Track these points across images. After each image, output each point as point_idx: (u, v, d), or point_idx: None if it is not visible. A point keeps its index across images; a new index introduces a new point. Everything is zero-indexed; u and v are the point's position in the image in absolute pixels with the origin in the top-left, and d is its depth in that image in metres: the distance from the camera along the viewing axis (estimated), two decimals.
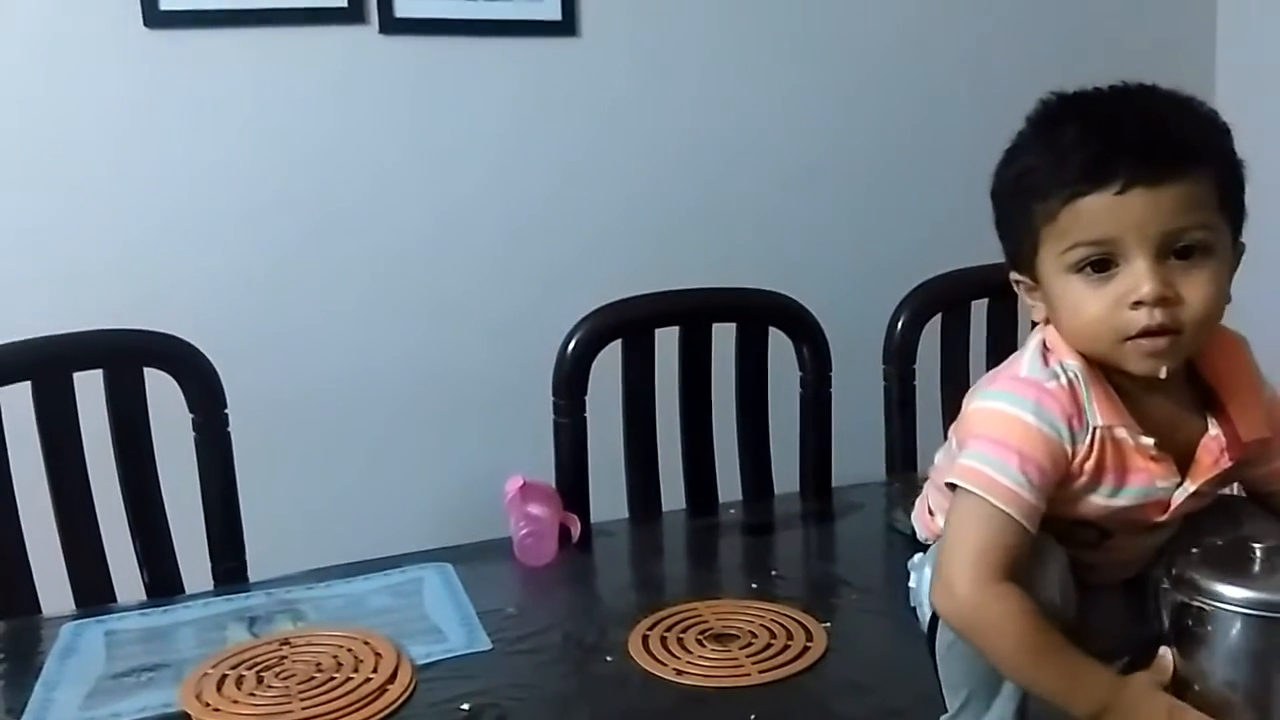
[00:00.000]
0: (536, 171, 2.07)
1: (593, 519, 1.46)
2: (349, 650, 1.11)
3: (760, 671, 1.05)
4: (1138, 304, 0.76)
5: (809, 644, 1.09)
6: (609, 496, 1.52)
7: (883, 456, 1.61)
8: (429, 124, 2.01)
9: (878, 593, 1.22)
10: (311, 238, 1.98)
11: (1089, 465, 0.79)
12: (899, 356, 1.60)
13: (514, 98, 2.04)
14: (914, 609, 0.88)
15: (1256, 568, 0.77)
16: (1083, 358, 0.80)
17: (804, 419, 1.58)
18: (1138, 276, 0.76)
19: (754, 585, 1.25)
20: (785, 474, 1.59)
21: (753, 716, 0.98)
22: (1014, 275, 0.85)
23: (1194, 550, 0.79)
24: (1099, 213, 0.76)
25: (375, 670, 1.07)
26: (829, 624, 1.13)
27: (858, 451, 1.59)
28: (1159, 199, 0.75)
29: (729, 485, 1.58)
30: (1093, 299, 0.77)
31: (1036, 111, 0.82)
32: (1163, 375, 0.78)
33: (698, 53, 2.13)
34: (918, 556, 0.85)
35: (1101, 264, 0.77)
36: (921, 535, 0.91)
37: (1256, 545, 0.77)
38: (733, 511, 1.52)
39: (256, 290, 1.96)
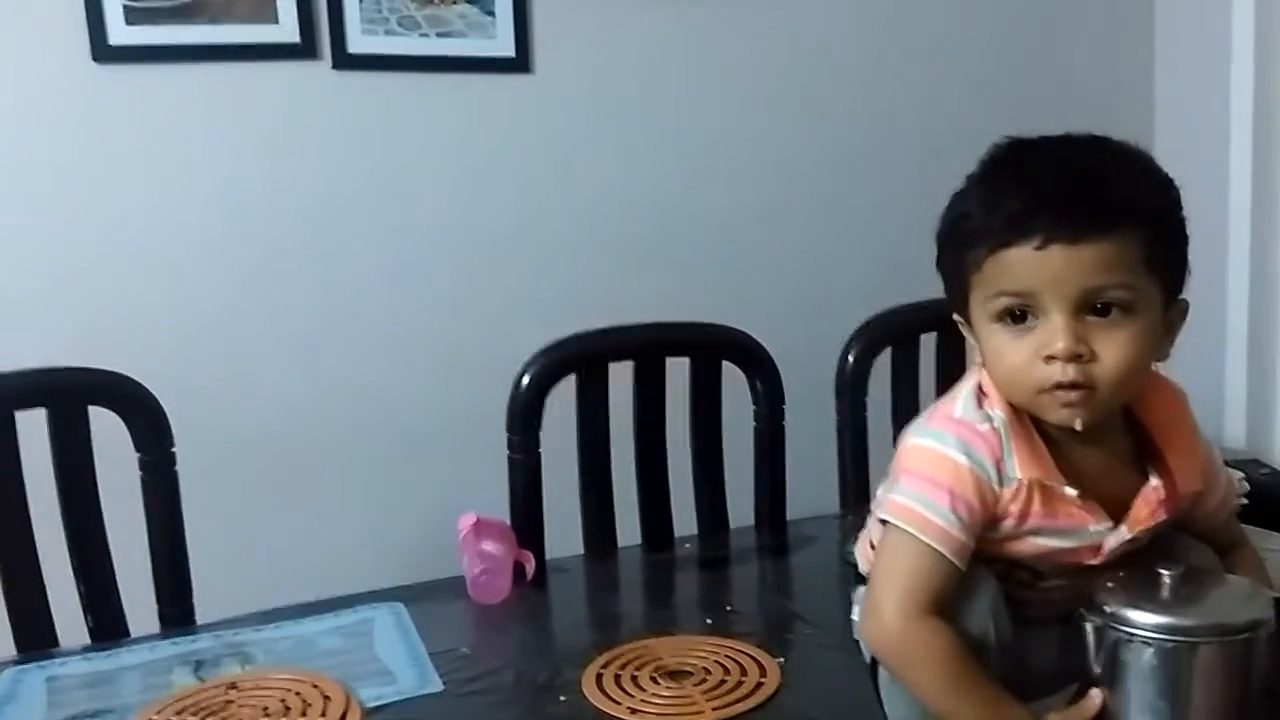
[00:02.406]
0: (489, 208, 2.08)
1: (548, 555, 1.45)
2: (297, 693, 1.09)
3: (714, 709, 1.05)
4: (1051, 358, 0.77)
5: (763, 680, 1.09)
6: (564, 532, 1.51)
7: (836, 489, 1.62)
8: (381, 160, 2.01)
9: (831, 627, 1.21)
10: (262, 274, 1.96)
11: (1015, 508, 0.81)
12: (850, 390, 1.62)
13: (467, 134, 2.05)
14: (858, 641, 0.89)
15: (1165, 594, 0.79)
16: (1010, 408, 0.82)
17: (758, 452, 1.59)
18: (1053, 331, 0.77)
19: (709, 621, 1.25)
20: (740, 508, 1.60)
21: None
22: (955, 315, 0.87)
23: (1109, 581, 0.81)
24: (1019, 265, 0.77)
25: (324, 714, 1.05)
26: (783, 659, 1.13)
27: (812, 485, 1.60)
28: (1079, 256, 0.75)
29: (684, 520, 1.58)
30: (1012, 349, 0.79)
31: (984, 157, 0.84)
32: (1078, 427, 0.79)
33: (651, 91, 2.15)
34: (860, 589, 0.86)
35: (1021, 315, 0.78)
36: (863, 568, 0.92)
37: (1165, 572, 0.79)
38: (688, 546, 1.52)
39: (205, 327, 1.94)
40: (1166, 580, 0.80)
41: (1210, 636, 0.77)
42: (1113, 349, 0.76)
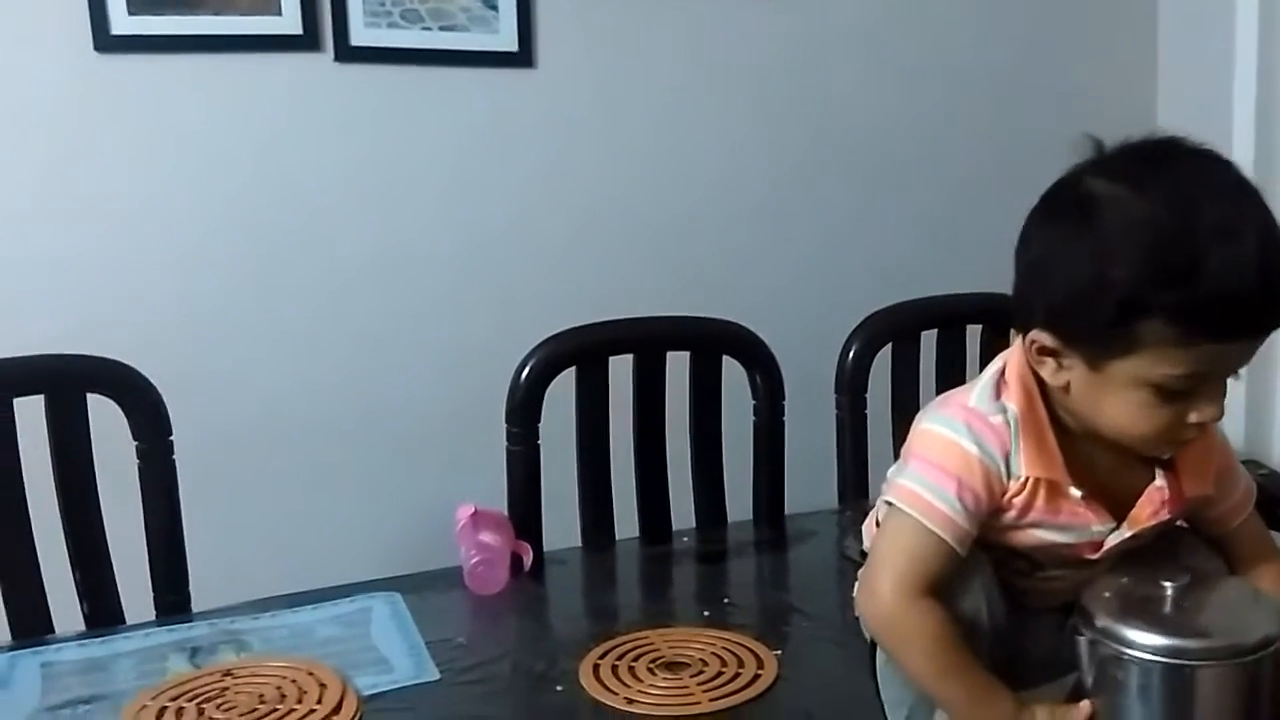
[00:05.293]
0: (491, 201, 2.07)
1: (545, 547, 1.45)
2: (293, 681, 1.09)
3: (711, 700, 1.05)
4: (1195, 423, 0.76)
5: (760, 672, 1.09)
6: (562, 525, 1.51)
7: (835, 485, 1.62)
8: (383, 153, 2.00)
9: (829, 620, 1.21)
10: (262, 265, 1.96)
11: (1018, 502, 0.80)
12: (850, 386, 1.62)
13: (469, 128, 2.05)
14: (858, 619, 0.89)
15: (1165, 609, 0.77)
16: (1027, 402, 0.80)
17: (757, 447, 1.59)
18: (1209, 400, 0.75)
19: (706, 613, 1.25)
20: (739, 502, 1.59)
21: None
22: (1039, 336, 0.77)
23: (1106, 591, 0.80)
24: (1211, 356, 0.73)
25: (319, 701, 1.05)
26: (780, 651, 1.13)
27: (810, 480, 1.60)
28: (1256, 345, 0.74)
29: (682, 513, 1.58)
30: (1154, 414, 0.75)
31: (1165, 197, 0.72)
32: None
33: (654, 86, 2.15)
34: (863, 570, 0.86)
35: (1181, 392, 0.74)
36: (868, 546, 0.92)
37: (1168, 585, 0.77)
38: (686, 539, 1.52)
39: (205, 317, 1.93)
40: (1168, 593, 0.77)
41: (1211, 660, 0.74)
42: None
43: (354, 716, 1.03)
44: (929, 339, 1.68)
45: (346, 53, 1.94)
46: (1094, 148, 0.78)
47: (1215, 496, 0.85)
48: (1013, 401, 0.80)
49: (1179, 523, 0.87)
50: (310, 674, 1.10)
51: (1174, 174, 0.74)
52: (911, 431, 0.84)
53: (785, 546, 1.53)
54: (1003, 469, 0.80)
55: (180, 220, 1.91)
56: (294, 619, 1.26)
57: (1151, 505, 0.82)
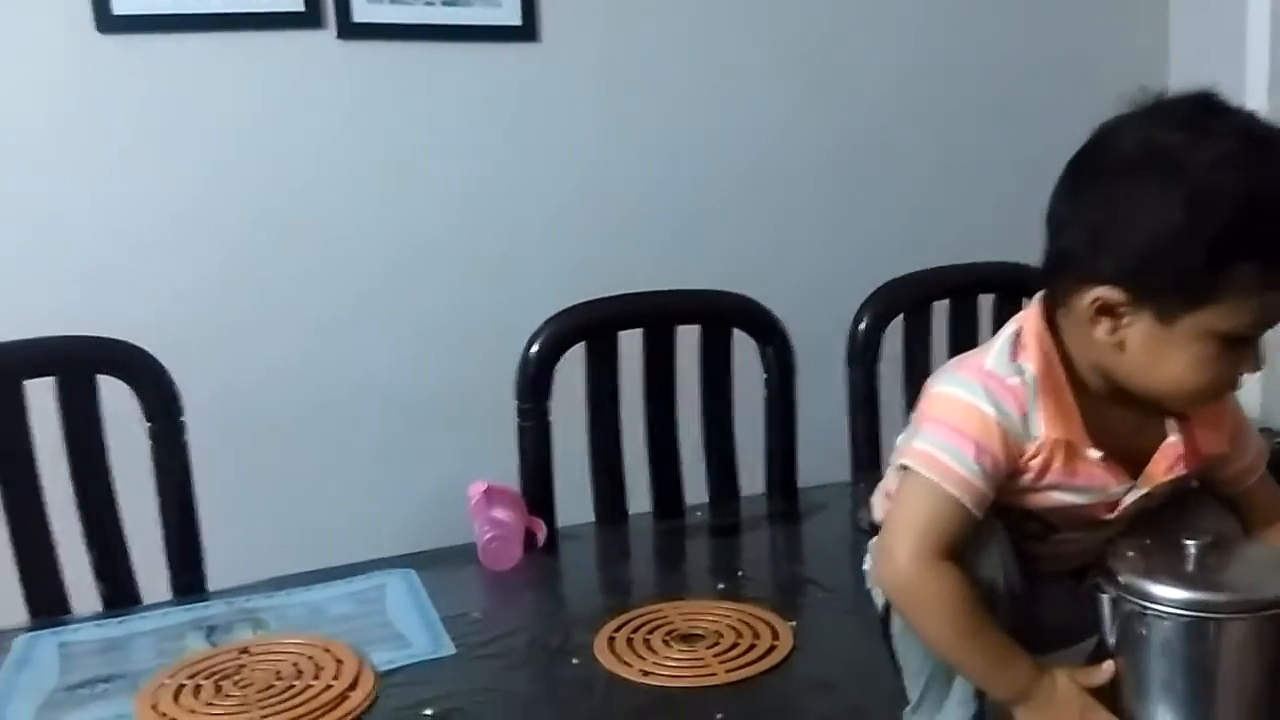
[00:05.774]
0: (496, 177, 2.06)
1: (558, 523, 1.45)
2: (309, 658, 1.09)
3: (727, 671, 1.05)
4: (1241, 375, 0.77)
5: (775, 643, 1.09)
6: (575, 501, 1.51)
7: (848, 457, 1.61)
8: (387, 130, 1.99)
9: (844, 591, 1.21)
10: (268, 245, 1.96)
11: (1035, 464, 0.80)
12: (862, 357, 1.61)
13: (474, 103, 2.03)
14: (870, 591, 0.88)
15: (1189, 566, 0.76)
16: (1045, 364, 0.80)
17: (769, 420, 1.58)
18: (1257, 354, 0.76)
19: (721, 586, 1.24)
20: (751, 475, 1.59)
21: (719, 716, 0.97)
22: (1105, 293, 0.75)
23: (1129, 550, 0.79)
24: (1276, 302, 0.74)
25: (336, 677, 1.05)
26: (795, 623, 1.13)
27: (823, 452, 1.59)
28: None
29: (695, 487, 1.58)
30: (1214, 367, 0.75)
31: (1239, 140, 0.72)
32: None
33: (659, 57, 2.13)
34: (875, 539, 0.85)
35: (1244, 341, 0.75)
36: (879, 516, 0.91)
37: (1191, 543, 0.77)
38: (699, 514, 1.52)
39: (212, 298, 1.93)
40: (1190, 551, 0.77)
41: (1236, 612, 0.74)
42: None
43: (371, 691, 1.03)
44: (940, 309, 1.67)
45: (349, 29, 1.92)
46: (1149, 99, 0.77)
47: (1230, 455, 0.85)
48: (1030, 363, 0.80)
49: (1193, 484, 0.87)
50: (327, 650, 1.11)
51: (1233, 120, 0.74)
52: (924, 395, 0.83)
53: (798, 519, 1.52)
54: (1021, 431, 0.79)
55: (186, 200, 1.90)
56: (309, 596, 1.26)
57: (1167, 461, 0.81)
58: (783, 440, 1.58)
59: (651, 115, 2.14)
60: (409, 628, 1.17)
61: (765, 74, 2.20)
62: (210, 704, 1.02)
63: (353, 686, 1.04)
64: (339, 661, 1.08)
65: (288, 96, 1.93)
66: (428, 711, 1.00)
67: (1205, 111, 0.74)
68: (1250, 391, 2.36)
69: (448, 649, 1.12)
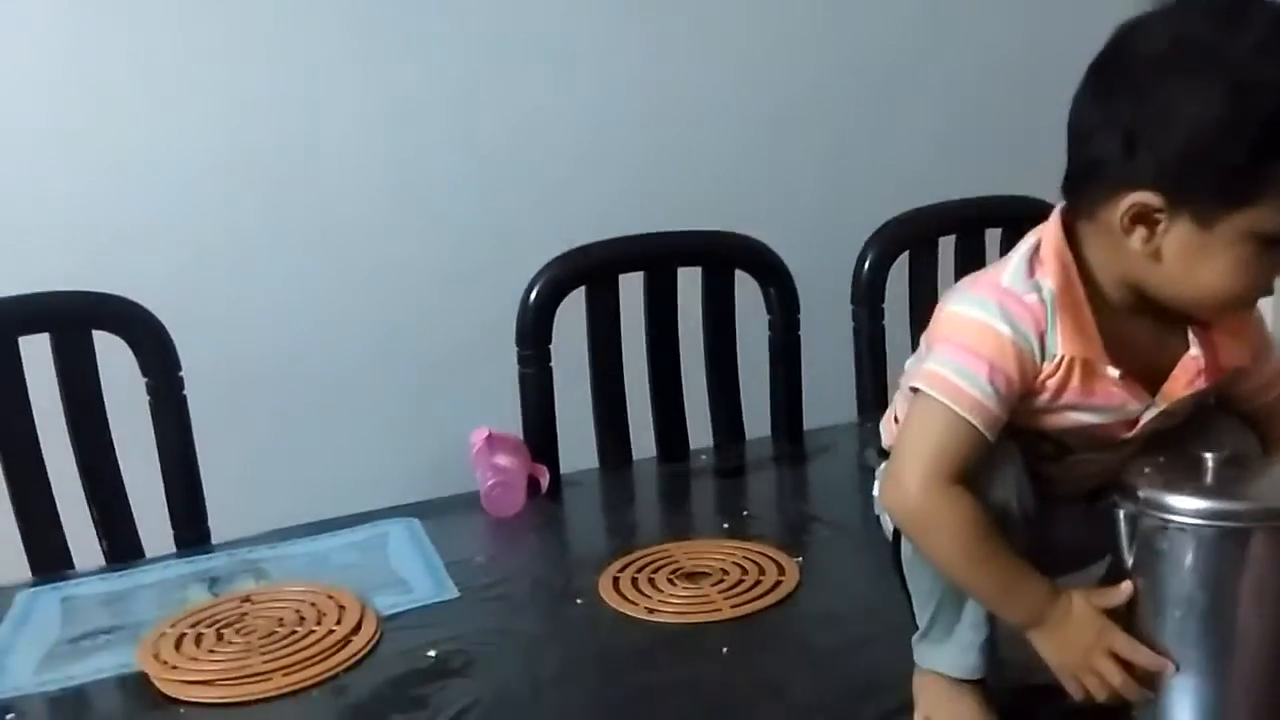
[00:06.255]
0: (495, 121, 2.02)
1: (562, 470, 1.44)
2: (312, 604, 1.09)
3: (732, 607, 1.04)
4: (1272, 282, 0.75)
5: (781, 578, 1.08)
6: (579, 447, 1.49)
7: (853, 397, 1.59)
8: (384, 75, 1.95)
9: (851, 529, 1.20)
10: (265, 195, 1.92)
11: (1052, 383, 0.77)
12: (867, 296, 1.58)
13: (470, 47, 1.99)
14: (879, 519, 0.86)
15: (1209, 479, 0.75)
16: (1065, 279, 0.77)
17: (774, 362, 1.56)
18: None
19: (726, 525, 1.23)
20: (757, 418, 1.57)
21: (725, 650, 0.96)
22: (1143, 198, 0.72)
23: (1146, 467, 0.77)
24: None
25: (339, 622, 1.05)
26: (801, 559, 1.11)
27: (829, 393, 1.57)
28: None
29: (700, 432, 1.56)
30: (1253, 270, 0.73)
31: (1272, 32, 0.70)
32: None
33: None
34: (883, 465, 0.83)
35: (1277, 243, 0.72)
36: (886, 443, 0.89)
37: (1209, 456, 0.75)
38: (704, 457, 1.50)
39: (210, 250, 1.90)
40: (1209, 464, 0.75)
41: (1260, 521, 0.72)
42: None
43: (374, 635, 1.03)
44: (946, 245, 1.64)
45: None
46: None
47: (1251, 369, 0.82)
48: (1049, 278, 0.77)
49: (1210, 401, 0.84)
50: (330, 597, 1.10)
51: (1265, 8, 0.71)
52: (936, 314, 0.81)
53: (804, 460, 1.50)
54: (1037, 350, 0.76)
55: (180, 150, 1.87)
56: (312, 546, 1.25)
57: (1187, 375, 0.79)
58: (788, 382, 1.56)
59: (650, 54, 2.09)
60: (412, 574, 1.16)
61: (766, 10, 2.15)
62: (212, 651, 1.02)
63: (355, 631, 1.03)
64: (341, 607, 1.08)
65: (279, 40, 1.89)
66: (431, 653, 0.99)
67: (1237, 1, 0.71)
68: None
69: (451, 593, 1.11)
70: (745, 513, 1.28)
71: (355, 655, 1.00)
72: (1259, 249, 0.72)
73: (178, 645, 1.03)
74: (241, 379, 1.89)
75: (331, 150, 1.96)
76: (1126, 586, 0.77)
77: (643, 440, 1.53)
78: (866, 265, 1.58)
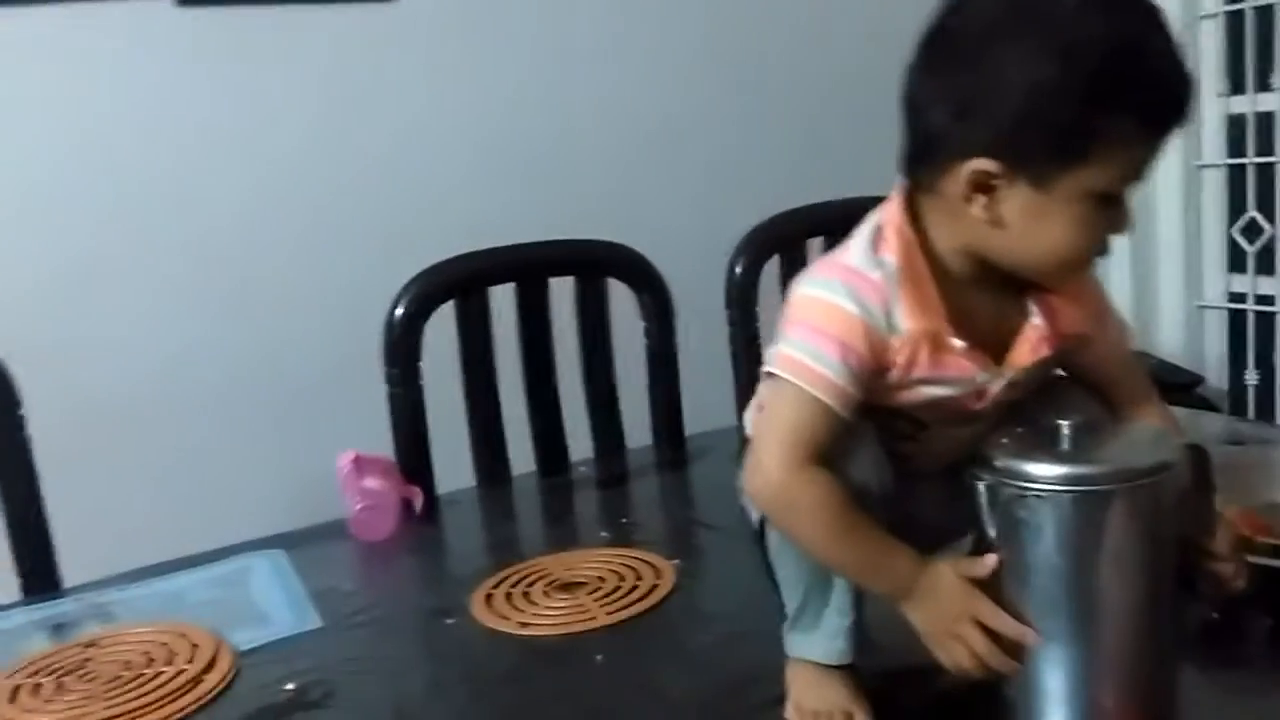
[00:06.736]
0: (355, 142, 1.98)
1: (439, 490, 1.39)
2: (163, 644, 1.02)
3: (608, 614, 1.01)
4: (1114, 236, 0.76)
5: (658, 582, 1.06)
6: (455, 466, 1.45)
7: (733, 400, 1.58)
8: (235, 100, 1.90)
9: (730, 529, 1.17)
10: (112, 225, 1.84)
11: (901, 359, 0.77)
12: (741, 300, 1.58)
13: (327, 68, 1.95)
14: (744, 508, 0.85)
15: (1064, 445, 0.75)
16: (906, 254, 0.77)
17: (651, 370, 1.55)
18: (1126, 213, 0.75)
19: (604, 534, 1.21)
20: (638, 427, 1.55)
21: (599, 658, 0.93)
22: (980, 165, 0.72)
23: (1003, 439, 0.78)
24: (1144, 156, 0.73)
25: (191, 661, 0.98)
26: (678, 561, 1.09)
27: (709, 397, 1.56)
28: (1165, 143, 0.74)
29: (580, 445, 1.53)
30: (1091, 228, 0.74)
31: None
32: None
33: (519, 13, 2.07)
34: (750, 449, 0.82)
35: (1114, 199, 0.74)
36: (750, 432, 0.88)
37: (1063, 424, 0.76)
38: (584, 469, 1.47)
39: (50, 277, 1.80)
40: (1064, 432, 0.76)
41: (1115, 483, 0.73)
42: None
43: (228, 672, 0.97)
44: (816, 247, 1.65)
45: None
46: None
47: (1092, 335, 0.83)
48: (891, 254, 0.77)
49: (1059, 374, 0.85)
50: (182, 636, 1.03)
51: None
52: (788, 299, 0.80)
53: (685, 465, 1.49)
54: (884, 326, 0.76)
55: (22, 182, 1.78)
56: (167, 585, 1.18)
57: (1030, 343, 0.80)
58: (667, 388, 1.55)
59: (515, 68, 2.08)
60: (273, 606, 1.10)
61: (630, 20, 2.16)
62: (50, 701, 0.94)
63: (208, 669, 0.97)
64: (195, 646, 1.01)
65: (126, 71, 1.82)
66: (289, 686, 0.94)
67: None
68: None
69: (314, 623, 1.05)
70: (625, 520, 1.25)
71: (207, 695, 0.93)
72: (1095, 207, 0.73)
73: (12, 697, 0.95)
74: (90, 414, 1.79)
75: (181, 179, 1.88)
76: (991, 558, 0.76)
77: (521, 454, 1.49)
78: (739, 269, 1.58)
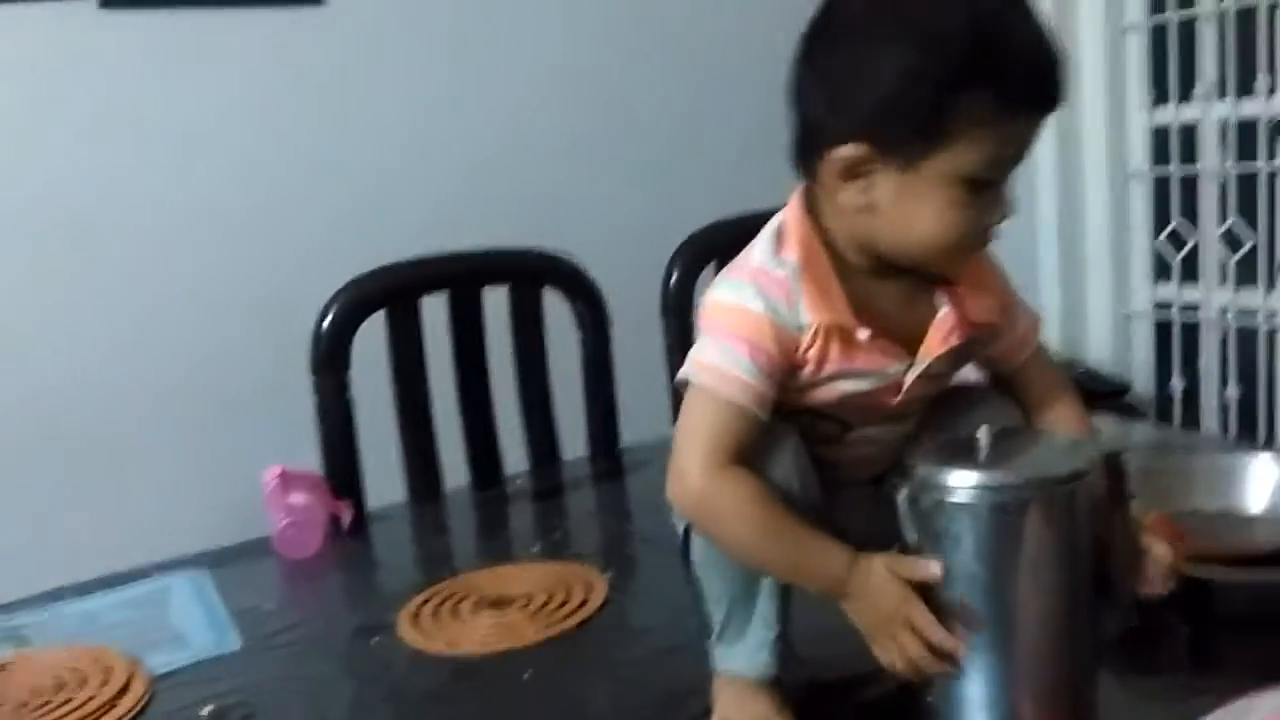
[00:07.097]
0: (282, 148, 1.94)
1: (369, 505, 1.36)
2: (74, 668, 0.98)
3: (537, 630, 0.99)
4: (994, 223, 0.76)
5: (588, 596, 1.04)
6: (386, 481, 1.42)
7: (669, 410, 1.57)
8: (159, 106, 1.86)
9: (664, 542, 1.15)
10: (28, 236, 1.79)
11: (812, 354, 0.77)
12: (677, 309, 1.57)
13: (254, 73, 1.91)
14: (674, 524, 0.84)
15: (983, 454, 0.76)
16: (806, 250, 0.77)
17: (587, 379, 1.53)
18: (1004, 199, 0.76)
19: (535, 549, 1.19)
20: (573, 438, 1.54)
21: (527, 675, 0.91)
22: (850, 150, 0.73)
23: (923, 449, 0.78)
24: (1013, 137, 0.74)
25: (104, 685, 0.95)
26: (611, 573, 1.08)
27: (645, 408, 1.54)
28: (1043, 124, 0.75)
29: (515, 456, 1.51)
30: (964, 213, 0.74)
31: None
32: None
33: (449, 14, 2.04)
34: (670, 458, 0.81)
35: (985, 183, 0.74)
36: None
37: (982, 432, 0.76)
38: (519, 481, 1.45)
39: None
40: (982, 441, 0.76)
41: (1031, 490, 0.73)
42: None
43: (142, 697, 0.93)
44: None
45: None
46: None
47: (1002, 326, 0.84)
48: (791, 252, 0.77)
49: (977, 379, 0.86)
50: (96, 660, 1.00)
51: None
52: (701, 306, 0.80)
53: (621, 476, 1.48)
54: (791, 323, 0.76)
55: None
56: (82, 607, 1.14)
57: (940, 333, 0.80)
58: (603, 399, 1.54)
59: (445, 74, 2.06)
60: (193, 627, 1.07)
61: (562, 24, 2.15)
62: None
63: (122, 693, 0.94)
64: (108, 669, 0.98)
65: (43, 74, 1.77)
66: (205, 710, 0.91)
67: None
68: (1049, 330, 2.45)
69: (233, 644, 1.02)
70: (558, 534, 1.24)
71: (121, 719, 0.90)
72: (967, 191, 0.74)
73: None
74: (8, 435, 1.73)
75: (102, 189, 1.84)
76: (935, 565, 0.75)
77: (454, 467, 1.47)
78: (674, 278, 1.57)
